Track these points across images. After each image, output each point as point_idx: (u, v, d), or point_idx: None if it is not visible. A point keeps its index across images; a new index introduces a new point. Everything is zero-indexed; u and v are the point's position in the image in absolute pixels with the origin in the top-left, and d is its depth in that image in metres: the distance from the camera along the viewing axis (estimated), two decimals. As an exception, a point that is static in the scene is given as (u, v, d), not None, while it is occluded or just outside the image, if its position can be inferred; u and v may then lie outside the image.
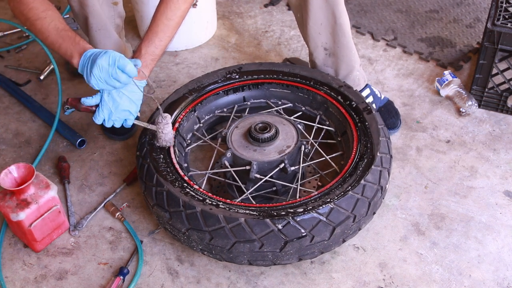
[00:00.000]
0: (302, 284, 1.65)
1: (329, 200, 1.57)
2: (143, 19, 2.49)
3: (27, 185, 1.66)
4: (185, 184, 1.66)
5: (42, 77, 2.39)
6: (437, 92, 2.23)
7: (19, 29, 2.65)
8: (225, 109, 2.02)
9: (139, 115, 1.77)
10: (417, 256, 1.71)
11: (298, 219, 1.53)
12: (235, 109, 2.01)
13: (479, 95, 2.16)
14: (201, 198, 1.61)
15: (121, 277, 1.66)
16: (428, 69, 2.37)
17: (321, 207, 1.55)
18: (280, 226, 1.52)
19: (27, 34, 2.58)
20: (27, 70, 2.45)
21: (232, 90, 2.01)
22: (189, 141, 1.93)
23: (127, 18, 2.74)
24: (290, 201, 1.60)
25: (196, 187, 1.66)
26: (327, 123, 1.95)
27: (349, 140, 1.82)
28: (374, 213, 1.67)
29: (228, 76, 2.02)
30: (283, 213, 1.54)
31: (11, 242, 1.80)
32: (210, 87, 1.99)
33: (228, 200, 1.62)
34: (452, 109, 2.17)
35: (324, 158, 1.84)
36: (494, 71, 2.10)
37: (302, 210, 1.54)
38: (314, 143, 1.88)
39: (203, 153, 2.06)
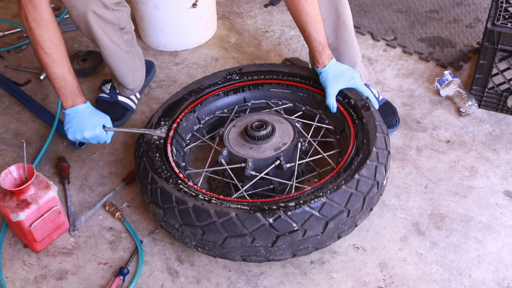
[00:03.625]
0: (302, 284, 1.65)
1: (321, 194, 1.56)
2: (143, 19, 2.49)
3: (27, 186, 1.66)
4: (179, 181, 1.66)
5: (42, 77, 2.39)
6: (437, 92, 2.23)
7: (19, 29, 2.65)
8: (225, 110, 2.02)
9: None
10: (417, 256, 1.71)
11: (289, 213, 1.53)
12: (235, 110, 2.02)
13: (479, 95, 2.16)
14: (194, 194, 1.61)
15: (121, 277, 1.66)
16: (428, 69, 2.37)
17: (313, 201, 1.54)
18: (271, 220, 1.52)
19: (27, 34, 2.58)
20: (27, 70, 2.45)
21: (233, 91, 2.01)
22: (188, 141, 1.93)
23: (127, 18, 2.74)
24: (283, 196, 1.60)
25: (191, 183, 1.66)
26: (327, 121, 1.95)
27: (347, 137, 1.82)
28: (371, 209, 1.67)
29: (228, 77, 2.02)
30: (274, 207, 1.54)
31: (11, 242, 1.80)
32: (210, 88, 2.00)
33: (222, 196, 1.62)
34: (452, 109, 2.17)
35: (321, 156, 1.83)
36: (494, 71, 2.10)
37: (293, 204, 1.54)
38: (312, 141, 1.87)
39: (203, 153, 2.06)
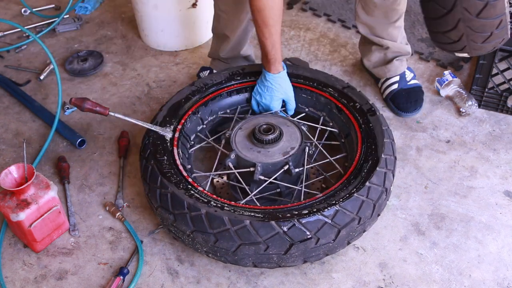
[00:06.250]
0: (302, 284, 1.65)
1: (334, 202, 1.56)
2: (143, 19, 2.49)
3: (27, 186, 1.66)
4: (189, 186, 1.65)
5: (42, 77, 2.39)
6: (437, 92, 2.23)
7: (19, 29, 2.65)
8: (228, 110, 2.01)
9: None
10: (417, 256, 1.71)
11: (303, 221, 1.52)
12: (238, 110, 2.01)
13: (479, 95, 2.16)
14: (206, 200, 1.60)
15: (121, 277, 1.66)
16: (428, 69, 2.37)
17: (326, 209, 1.54)
18: (285, 229, 1.51)
19: (27, 34, 2.58)
20: (27, 70, 2.45)
21: (236, 91, 2.00)
22: (192, 142, 1.92)
23: (127, 18, 2.75)
24: (295, 203, 1.59)
25: (201, 189, 1.65)
26: (331, 124, 1.94)
27: (353, 141, 1.81)
28: (379, 214, 1.67)
29: (231, 77, 2.01)
30: (288, 215, 1.53)
31: (11, 242, 1.80)
32: (214, 88, 1.99)
33: (233, 202, 1.61)
34: (452, 109, 2.17)
35: (328, 160, 1.83)
36: (494, 71, 2.10)
37: (307, 212, 1.54)
38: (318, 144, 1.86)
39: (203, 154, 2.06)
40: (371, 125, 1.79)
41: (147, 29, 2.52)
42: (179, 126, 1.85)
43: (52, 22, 2.69)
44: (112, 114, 1.75)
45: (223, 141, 1.86)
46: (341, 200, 1.57)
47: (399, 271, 1.68)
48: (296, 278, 1.66)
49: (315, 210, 1.54)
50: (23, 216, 1.65)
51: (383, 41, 2.11)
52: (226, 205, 1.59)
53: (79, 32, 2.66)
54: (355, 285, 1.64)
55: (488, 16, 1.60)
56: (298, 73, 2.01)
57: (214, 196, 1.63)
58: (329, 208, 1.54)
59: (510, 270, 1.67)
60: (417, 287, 1.64)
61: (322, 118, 1.96)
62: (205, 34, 2.58)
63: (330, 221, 1.54)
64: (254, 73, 2.02)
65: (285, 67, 1.90)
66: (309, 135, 1.87)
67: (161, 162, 1.71)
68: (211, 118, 1.99)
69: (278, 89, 1.90)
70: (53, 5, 2.84)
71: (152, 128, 1.79)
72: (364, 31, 2.13)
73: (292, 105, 1.96)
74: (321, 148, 1.86)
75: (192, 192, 1.63)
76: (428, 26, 1.76)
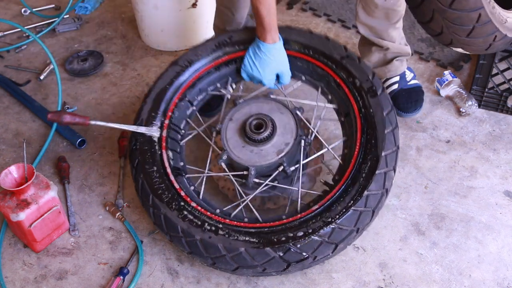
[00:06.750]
0: (302, 284, 1.65)
1: (330, 220, 1.52)
2: (143, 19, 2.49)
3: (27, 186, 1.66)
4: (182, 204, 1.60)
5: (42, 77, 2.39)
6: (437, 92, 2.23)
7: (19, 29, 2.65)
8: (218, 84, 1.87)
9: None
10: (417, 256, 1.71)
11: (299, 245, 1.50)
12: (229, 82, 1.86)
13: (479, 95, 2.16)
14: (200, 223, 1.56)
15: (121, 277, 1.66)
16: (428, 69, 2.37)
17: (322, 229, 1.50)
18: (281, 253, 1.50)
19: (27, 34, 2.58)
20: (27, 70, 2.45)
21: (224, 64, 1.84)
22: (183, 131, 1.81)
23: (127, 18, 2.75)
24: (289, 219, 1.56)
25: (194, 205, 1.60)
26: (330, 97, 1.81)
27: (352, 125, 1.69)
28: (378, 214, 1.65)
29: (218, 48, 1.84)
30: (283, 238, 1.50)
31: (11, 242, 1.80)
32: (199, 64, 1.84)
33: (227, 220, 1.58)
34: (452, 109, 2.17)
35: (326, 150, 1.75)
36: (494, 71, 2.10)
37: (302, 234, 1.51)
38: (314, 130, 1.76)
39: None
40: (371, 110, 1.66)
41: (147, 29, 2.52)
42: (166, 121, 1.75)
43: (52, 22, 2.69)
44: (93, 123, 1.68)
45: (214, 134, 1.78)
46: (337, 216, 1.52)
47: (399, 271, 1.67)
48: (296, 278, 1.66)
49: (310, 231, 1.51)
50: (23, 216, 1.65)
51: (383, 42, 2.10)
52: (220, 226, 1.56)
53: (79, 32, 2.66)
54: (355, 285, 1.64)
55: (462, 8, 1.60)
56: (291, 38, 1.80)
57: (209, 213, 1.60)
58: (325, 228, 1.51)
59: (510, 270, 1.67)
60: (417, 287, 1.64)
61: (320, 89, 1.82)
62: (205, 34, 2.57)
63: (326, 239, 1.51)
64: (243, 41, 1.82)
65: (281, 38, 1.76)
66: (306, 122, 1.75)
67: (151, 175, 1.65)
68: (201, 97, 1.86)
69: (272, 62, 1.76)
70: (53, 5, 2.84)
71: (138, 131, 1.71)
72: (365, 32, 2.12)
73: (286, 80, 1.83)
74: (315, 132, 1.75)
75: (185, 212, 1.58)
76: (414, 17, 1.77)
